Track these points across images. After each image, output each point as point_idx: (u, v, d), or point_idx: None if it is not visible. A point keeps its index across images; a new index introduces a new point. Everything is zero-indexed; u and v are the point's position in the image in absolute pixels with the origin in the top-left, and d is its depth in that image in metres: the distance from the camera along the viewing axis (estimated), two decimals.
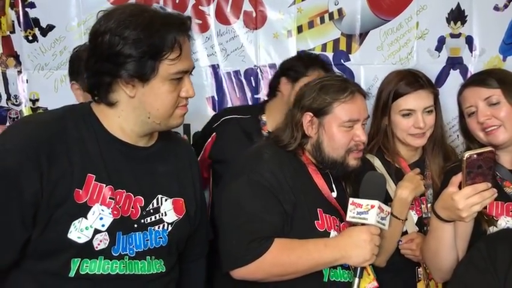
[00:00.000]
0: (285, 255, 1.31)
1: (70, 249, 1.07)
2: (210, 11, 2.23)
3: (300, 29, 2.27)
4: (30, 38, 2.17)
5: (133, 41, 1.06)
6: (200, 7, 2.22)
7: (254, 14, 2.24)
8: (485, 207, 1.41)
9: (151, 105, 1.12)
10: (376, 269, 1.49)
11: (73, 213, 1.07)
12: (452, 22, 2.30)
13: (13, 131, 1.14)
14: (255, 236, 1.30)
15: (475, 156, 1.22)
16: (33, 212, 1.04)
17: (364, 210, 1.33)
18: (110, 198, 1.11)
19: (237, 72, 2.28)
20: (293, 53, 2.24)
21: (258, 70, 2.28)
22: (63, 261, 1.07)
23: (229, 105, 2.27)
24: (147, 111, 1.13)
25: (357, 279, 1.34)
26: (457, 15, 2.29)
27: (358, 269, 1.34)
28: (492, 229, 1.42)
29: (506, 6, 2.26)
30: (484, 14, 2.28)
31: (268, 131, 1.91)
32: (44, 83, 2.18)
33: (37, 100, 2.19)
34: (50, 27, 2.16)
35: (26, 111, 2.22)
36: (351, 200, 1.37)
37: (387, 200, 1.56)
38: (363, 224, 1.34)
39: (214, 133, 1.99)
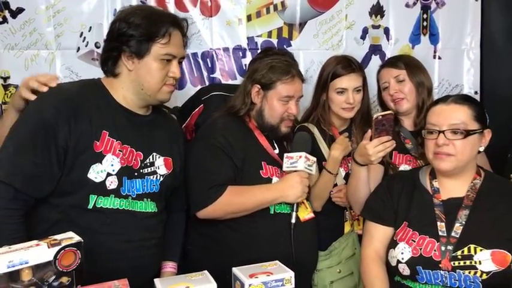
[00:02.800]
0: (236, 198, 1.62)
1: (89, 187, 1.33)
2: None
3: (249, 18, 2.45)
4: (0, 19, 2.19)
5: (136, 25, 1.39)
6: None
7: (209, 4, 2.40)
8: (390, 158, 1.83)
9: (144, 78, 1.42)
10: (313, 213, 1.80)
11: (92, 159, 1.33)
12: (373, 15, 2.58)
13: (49, 95, 1.38)
14: (212, 184, 1.61)
15: (380, 117, 1.56)
16: (63, 155, 1.29)
17: (295, 160, 1.65)
18: (119, 150, 1.39)
19: (194, 54, 2.42)
20: (243, 39, 2.45)
21: (213, 53, 2.43)
22: (83, 196, 1.33)
23: (188, 83, 2.43)
24: (141, 83, 1.42)
25: (294, 213, 1.66)
26: (377, 10, 2.58)
27: (295, 205, 1.66)
28: None
29: (414, 4, 2.61)
30: (398, 10, 2.59)
31: None
32: (15, 62, 2.22)
33: (8, 78, 2.25)
34: (20, 10, 2.21)
35: None
36: (285, 155, 1.69)
37: (321, 159, 1.88)
38: (295, 171, 1.66)
39: (202, 105, 2.15)
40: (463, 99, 1.48)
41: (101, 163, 1.35)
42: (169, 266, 1.63)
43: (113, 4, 2.32)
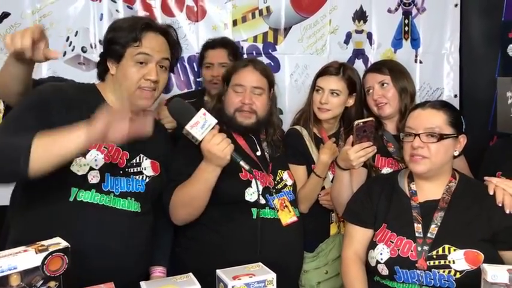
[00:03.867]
0: (180, 192, 1.61)
1: (71, 179, 1.37)
2: (156, 4, 2.41)
3: (235, 23, 2.51)
4: None
5: (115, 31, 1.48)
6: (147, 1, 2.40)
7: (195, 9, 2.45)
8: (373, 161, 1.88)
9: (122, 81, 1.46)
10: (301, 214, 1.84)
11: None
12: (356, 21, 2.66)
13: (47, 87, 1.44)
14: (170, 187, 1.62)
15: (361, 123, 1.60)
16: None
17: (191, 134, 1.49)
18: (104, 147, 1.42)
19: (181, 59, 2.33)
20: None
21: None
22: (66, 188, 1.37)
23: (175, 87, 2.49)
24: (120, 86, 1.47)
25: (241, 162, 1.54)
26: (360, 15, 2.66)
27: (237, 161, 1.54)
28: None
29: (396, 9, 2.70)
30: (380, 15, 2.68)
31: None
32: (1, 66, 2.25)
33: None
34: (6, 15, 2.23)
35: None
36: (183, 132, 1.53)
37: (310, 162, 1.91)
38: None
39: None
40: (440, 105, 1.54)
41: (85, 157, 1.39)
42: (158, 271, 1.65)
43: (99, 9, 2.36)
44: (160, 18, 2.42)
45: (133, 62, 1.45)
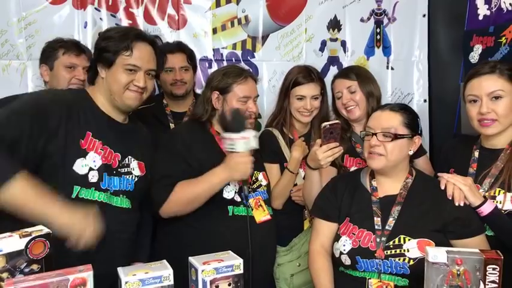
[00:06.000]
0: (185, 189, 1.72)
1: (73, 178, 1.49)
2: (139, 13, 2.51)
3: (214, 31, 2.62)
4: None
5: (107, 39, 1.61)
6: (130, 9, 2.50)
7: (177, 17, 2.56)
8: (342, 161, 2.01)
9: (111, 85, 1.61)
10: (274, 211, 1.96)
11: (78, 153, 1.51)
12: (331, 29, 2.78)
13: (46, 92, 1.60)
14: (164, 183, 1.73)
15: (328, 125, 1.71)
16: (47, 137, 1.45)
17: (234, 142, 1.67)
18: (100, 149, 1.57)
19: None
20: (209, 50, 2.62)
21: None
22: (68, 186, 1.49)
23: (157, 92, 2.53)
24: (110, 89, 1.61)
25: (245, 187, 1.72)
26: (335, 24, 2.78)
27: (243, 182, 1.72)
28: None
29: (368, 19, 2.83)
30: (354, 24, 2.80)
31: (170, 110, 2.36)
32: None
33: None
34: None
35: None
36: (222, 135, 1.73)
37: (283, 161, 2.01)
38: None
39: None
40: (399, 107, 1.67)
41: (85, 158, 1.52)
42: None
43: (83, 17, 2.46)
44: (142, 26, 2.52)
45: (123, 69, 1.60)
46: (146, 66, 1.63)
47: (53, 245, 1.12)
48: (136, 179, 1.68)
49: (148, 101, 1.83)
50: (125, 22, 2.52)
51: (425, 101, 2.94)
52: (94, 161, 1.54)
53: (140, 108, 1.78)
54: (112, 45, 1.59)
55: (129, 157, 1.67)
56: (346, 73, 2.14)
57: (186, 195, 1.74)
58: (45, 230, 1.13)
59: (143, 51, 1.62)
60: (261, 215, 1.88)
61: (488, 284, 1.17)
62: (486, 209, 1.54)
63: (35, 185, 1.35)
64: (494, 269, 1.17)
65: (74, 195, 1.50)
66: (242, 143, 1.67)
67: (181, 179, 1.76)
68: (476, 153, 1.71)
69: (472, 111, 1.67)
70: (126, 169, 1.65)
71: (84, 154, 1.53)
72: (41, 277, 1.02)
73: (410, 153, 1.63)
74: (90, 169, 1.53)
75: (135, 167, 1.69)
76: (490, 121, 1.62)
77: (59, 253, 1.18)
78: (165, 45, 2.11)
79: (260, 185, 1.95)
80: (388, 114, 1.62)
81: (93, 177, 1.54)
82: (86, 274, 1.06)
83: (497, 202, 1.59)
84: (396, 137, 1.57)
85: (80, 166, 1.51)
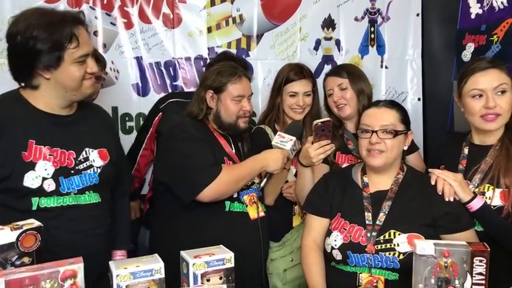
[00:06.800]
0: (232, 171, 1.78)
1: (28, 193, 1.41)
2: (134, 11, 2.51)
3: (209, 30, 2.62)
4: None
5: (41, 40, 1.37)
6: (125, 8, 2.50)
7: (171, 16, 2.56)
8: (334, 158, 2.03)
9: (65, 82, 1.45)
10: (267, 207, 1.99)
11: (23, 169, 1.41)
12: (325, 28, 2.80)
13: None
14: (209, 163, 1.75)
15: (319, 123, 1.73)
16: None
17: (286, 140, 1.83)
18: (49, 154, 1.46)
19: (158, 63, 2.57)
20: (204, 49, 2.62)
21: (176, 62, 2.59)
22: (26, 200, 1.42)
23: (152, 90, 2.58)
24: (63, 87, 1.46)
25: (264, 180, 1.86)
26: (329, 23, 2.80)
27: (268, 174, 1.85)
28: None
29: (363, 18, 2.85)
30: (348, 23, 2.82)
31: None
32: None
33: None
34: None
35: None
36: (278, 132, 1.88)
37: None
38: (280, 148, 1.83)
39: (160, 113, 2.32)
40: (392, 104, 1.69)
41: (34, 170, 1.42)
42: (118, 255, 1.73)
43: None
44: (137, 25, 2.54)
45: (75, 62, 1.43)
46: (91, 48, 1.48)
47: (44, 238, 1.13)
48: (99, 170, 1.57)
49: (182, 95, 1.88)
50: (120, 21, 2.53)
51: (419, 99, 2.96)
52: (46, 169, 1.44)
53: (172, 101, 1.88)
54: (52, 43, 1.37)
55: (86, 149, 1.55)
56: (337, 71, 2.16)
57: (233, 176, 1.78)
58: (37, 224, 1.14)
59: (83, 36, 1.45)
60: (255, 212, 1.90)
61: (475, 276, 1.19)
62: (476, 204, 1.55)
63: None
64: (481, 261, 1.18)
65: (34, 208, 1.42)
66: (291, 144, 1.82)
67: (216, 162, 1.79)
68: (466, 150, 1.73)
69: (475, 106, 1.64)
70: (85, 164, 1.54)
71: (31, 166, 1.42)
72: (32, 269, 1.03)
73: (405, 148, 1.65)
74: (44, 179, 1.43)
75: (95, 158, 1.57)
76: (494, 116, 1.62)
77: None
78: None
79: (253, 182, 1.97)
80: (385, 111, 1.63)
81: (50, 185, 1.44)
82: (77, 266, 1.07)
83: (486, 198, 1.60)
84: (396, 133, 1.59)
85: (31, 180, 1.41)
